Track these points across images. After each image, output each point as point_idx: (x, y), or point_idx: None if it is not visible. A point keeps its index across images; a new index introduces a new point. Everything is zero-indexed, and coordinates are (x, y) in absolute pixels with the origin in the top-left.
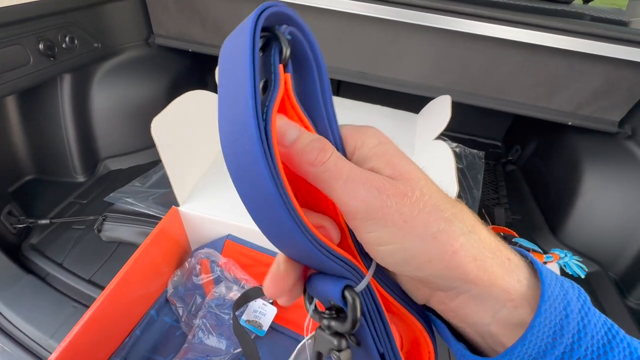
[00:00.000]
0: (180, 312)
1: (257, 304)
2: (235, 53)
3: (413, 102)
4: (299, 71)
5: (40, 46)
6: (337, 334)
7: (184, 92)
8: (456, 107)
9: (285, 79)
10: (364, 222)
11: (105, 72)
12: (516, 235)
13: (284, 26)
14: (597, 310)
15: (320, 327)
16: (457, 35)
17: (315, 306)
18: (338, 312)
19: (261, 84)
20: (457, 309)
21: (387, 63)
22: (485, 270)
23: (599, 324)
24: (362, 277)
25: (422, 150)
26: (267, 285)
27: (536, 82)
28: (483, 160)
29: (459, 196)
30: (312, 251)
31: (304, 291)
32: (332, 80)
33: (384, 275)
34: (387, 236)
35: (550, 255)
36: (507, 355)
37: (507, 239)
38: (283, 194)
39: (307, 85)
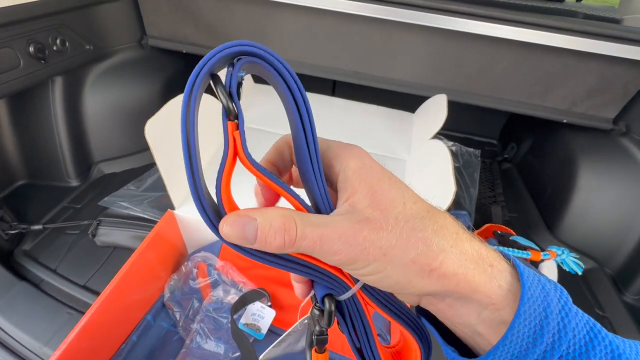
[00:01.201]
0: (178, 316)
1: (255, 307)
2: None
3: (409, 102)
4: (280, 94)
5: (31, 49)
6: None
7: (179, 94)
8: (452, 105)
9: (233, 139)
10: (349, 267)
11: (97, 75)
12: (513, 233)
13: (233, 67)
14: (579, 310)
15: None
16: (451, 34)
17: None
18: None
19: (233, 113)
20: (444, 310)
21: (382, 62)
22: (466, 281)
23: (581, 323)
24: (347, 289)
25: (418, 150)
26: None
27: (531, 80)
28: (479, 159)
29: (456, 195)
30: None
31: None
32: (327, 80)
33: (374, 290)
34: (371, 270)
35: (548, 252)
36: (491, 355)
37: (504, 237)
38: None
39: (289, 113)
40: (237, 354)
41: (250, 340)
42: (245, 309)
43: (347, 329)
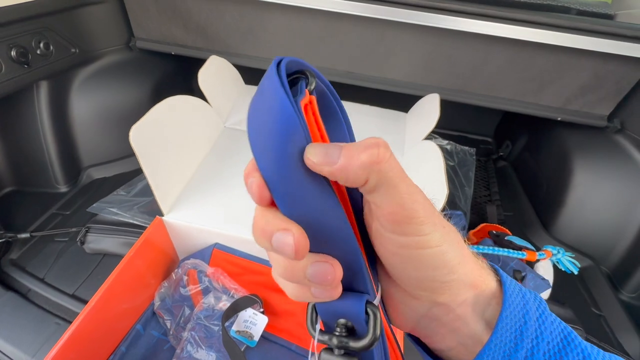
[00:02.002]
0: (168, 324)
1: (248, 314)
2: (266, 89)
3: (402, 101)
4: (328, 119)
5: (13, 53)
6: (347, 355)
7: (168, 97)
8: (446, 104)
9: (310, 99)
10: (415, 228)
11: (84, 78)
12: (509, 233)
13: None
14: (556, 318)
15: (327, 349)
16: (444, 32)
17: (320, 328)
18: (349, 332)
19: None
20: (453, 321)
21: (375, 62)
22: (481, 273)
23: (556, 331)
24: (374, 295)
25: (411, 150)
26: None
27: (524, 78)
28: (474, 157)
29: (451, 194)
30: (354, 248)
31: (312, 311)
32: None
33: (383, 306)
34: (434, 239)
35: (543, 252)
36: (485, 351)
37: (499, 237)
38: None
39: (336, 131)
40: None
41: (243, 348)
42: (237, 316)
43: (375, 355)
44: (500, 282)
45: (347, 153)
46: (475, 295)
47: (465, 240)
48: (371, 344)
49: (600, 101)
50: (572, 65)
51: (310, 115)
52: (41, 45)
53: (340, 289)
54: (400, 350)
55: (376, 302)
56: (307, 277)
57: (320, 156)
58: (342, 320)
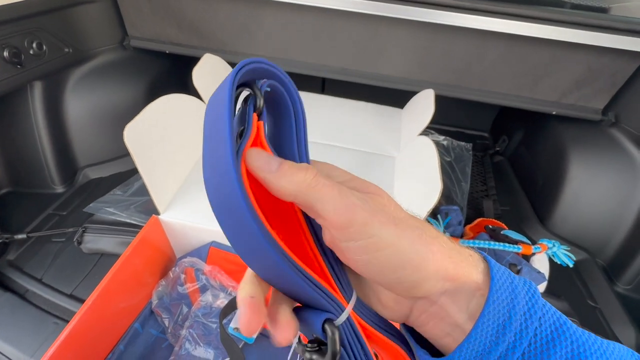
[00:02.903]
0: (167, 323)
1: None
2: (216, 107)
3: (398, 98)
4: (279, 117)
5: (5, 53)
6: None
7: (163, 95)
8: (442, 100)
9: (257, 126)
10: (359, 231)
11: (79, 78)
12: (505, 227)
13: (263, 80)
14: (551, 308)
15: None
16: (438, 27)
17: (299, 338)
18: (320, 345)
19: (239, 132)
20: (438, 312)
21: (370, 58)
22: (459, 267)
23: (548, 322)
24: (342, 309)
25: (407, 146)
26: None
27: (519, 72)
28: (471, 152)
29: (448, 190)
30: (296, 280)
31: None
32: (315, 78)
33: (362, 306)
34: (385, 238)
35: (539, 246)
36: (465, 345)
37: (496, 231)
38: (262, 229)
39: (285, 130)
40: (227, 359)
41: (241, 345)
42: (234, 313)
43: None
44: (489, 274)
45: (283, 166)
46: (454, 288)
47: (439, 234)
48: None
49: (595, 94)
50: (567, 59)
51: (258, 145)
52: (34, 45)
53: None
54: None
55: (343, 316)
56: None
57: (261, 161)
58: (315, 335)
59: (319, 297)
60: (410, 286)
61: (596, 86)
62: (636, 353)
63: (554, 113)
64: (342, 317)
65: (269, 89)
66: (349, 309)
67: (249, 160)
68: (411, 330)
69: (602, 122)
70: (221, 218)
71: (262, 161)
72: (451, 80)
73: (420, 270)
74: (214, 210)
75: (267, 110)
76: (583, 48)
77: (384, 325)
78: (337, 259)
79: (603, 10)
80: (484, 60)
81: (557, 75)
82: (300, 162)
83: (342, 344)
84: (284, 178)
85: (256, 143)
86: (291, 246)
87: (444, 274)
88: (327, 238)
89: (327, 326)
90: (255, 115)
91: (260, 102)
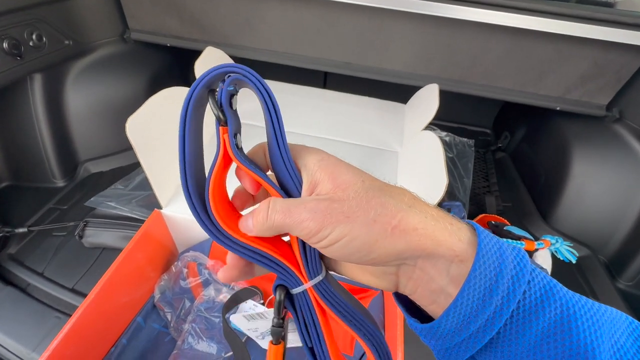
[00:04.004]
0: (169, 317)
1: (248, 305)
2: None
3: (401, 93)
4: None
5: (5, 45)
6: (276, 327)
7: (164, 89)
8: (445, 95)
9: (223, 141)
10: (319, 234)
11: (79, 71)
12: (508, 223)
13: (223, 82)
14: (540, 272)
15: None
16: (442, 21)
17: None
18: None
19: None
20: (421, 277)
21: (373, 52)
22: (427, 236)
23: (537, 286)
24: (301, 284)
25: (410, 141)
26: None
27: (524, 67)
28: (473, 149)
29: (450, 186)
30: (240, 253)
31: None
32: (318, 72)
33: (331, 294)
34: (338, 233)
35: (542, 242)
36: (451, 308)
37: (498, 227)
38: (204, 218)
39: (267, 126)
40: (230, 353)
41: (244, 339)
42: (237, 308)
43: (298, 325)
44: (474, 242)
45: (253, 221)
46: (426, 253)
47: (410, 206)
48: (277, 315)
49: (599, 90)
50: (572, 54)
51: (226, 155)
52: (34, 36)
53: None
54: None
55: (298, 289)
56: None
57: (244, 229)
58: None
59: (276, 271)
60: (375, 262)
61: (601, 82)
62: (629, 317)
63: (558, 109)
64: (297, 289)
65: (231, 87)
66: (306, 285)
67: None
68: (405, 301)
69: (606, 118)
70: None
71: (244, 229)
72: (455, 75)
73: (376, 250)
74: None
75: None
76: (589, 42)
77: (346, 312)
78: (313, 249)
79: (609, 4)
80: (488, 55)
81: (562, 71)
82: (281, 151)
83: (294, 307)
84: (255, 227)
85: (226, 158)
86: (274, 239)
87: (405, 247)
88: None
89: (277, 290)
90: (221, 129)
91: (219, 114)
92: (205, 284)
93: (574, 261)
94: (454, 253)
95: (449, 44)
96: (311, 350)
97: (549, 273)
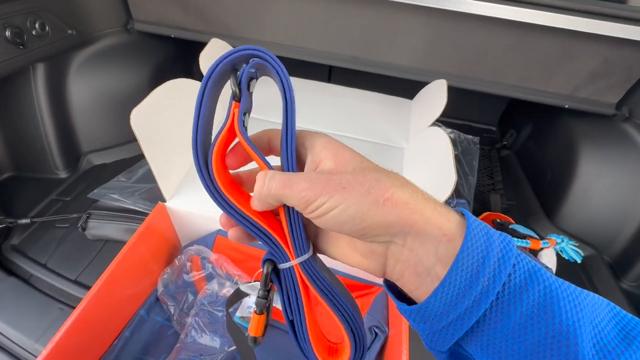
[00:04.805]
0: (172, 310)
1: (251, 300)
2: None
3: (407, 88)
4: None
5: (7, 33)
6: (263, 291)
7: (168, 80)
8: (450, 91)
9: (232, 114)
10: (315, 202)
11: (82, 61)
12: (512, 221)
13: (247, 64)
14: (525, 257)
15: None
16: (450, 15)
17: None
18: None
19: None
20: (409, 259)
21: (380, 46)
22: (417, 212)
23: (522, 269)
24: (288, 260)
25: (417, 137)
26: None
27: (532, 64)
28: (478, 146)
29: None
30: (240, 223)
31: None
32: (322, 65)
33: (316, 274)
34: (333, 202)
35: (547, 241)
36: (439, 289)
37: (503, 225)
38: (209, 183)
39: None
40: (233, 347)
41: (246, 334)
42: (240, 302)
43: (281, 298)
44: (463, 225)
45: (253, 202)
46: (415, 231)
47: (403, 185)
48: (263, 286)
49: (609, 88)
50: (582, 51)
51: (231, 128)
52: (36, 25)
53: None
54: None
55: (285, 265)
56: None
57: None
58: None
59: (265, 242)
60: (366, 232)
61: (611, 79)
62: (611, 303)
63: (566, 107)
64: (284, 265)
65: (253, 70)
66: (293, 262)
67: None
68: (393, 288)
69: (615, 116)
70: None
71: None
72: (462, 71)
73: (367, 219)
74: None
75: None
76: (600, 39)
77: (329, 292)
78: (300, 223)
79: (621, 0)
80: (496, 50)
81: (572, 68)
82: (287, 134)
83: (279, 281)
84: (258, 193)
85: (231, 131)
86: (267, 214)
87: (396, 219)
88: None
89: (265, 264)
90: (234, 103)
91: (236, 89)
92: (209, 278)
93: (579, 261)
94: (442, 232)
95: (457, 39)
96: (291, 322)
97: (554, 272)
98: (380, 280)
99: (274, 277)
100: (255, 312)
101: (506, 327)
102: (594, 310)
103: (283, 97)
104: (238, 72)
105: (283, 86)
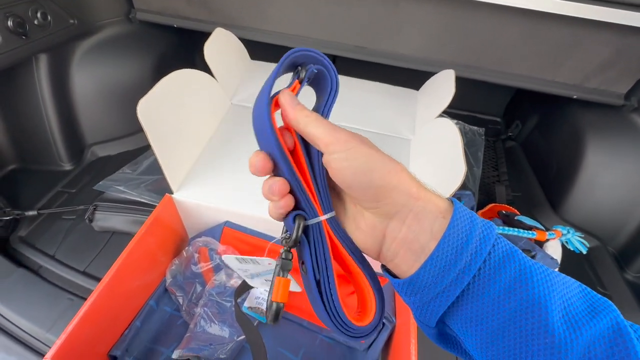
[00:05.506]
0: (181, 301)
1: (259, 290)
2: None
3: (413, 78)
4: (319, 92)
5: (9, 23)
6: (287, 251)
7: (173, 71)
8: (456, 81)
9: (295, 85)
10: (341, 144)
11: (85, 52)
12: (518, 213)
13: (314, 65)
14: (501, 237)
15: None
16: (458, 3)
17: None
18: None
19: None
20: (406, 236)
21: (386, 36)
22: (421, 189)
23: (502, 249)
24: (317, 215)
25: (424, 128)
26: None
27: (541, 53)
28: (483, 137)
29: None
30: (285, 170)
31: (283, 226)
32: (327, 55)
33: (339, 229)
34: (359, 150)
35: (553, 232)
36: (429, 261)
37: (509, 217)
38: (274, 131)
39: (320, 102)
40: (242, 337)
41: (255, 324)
42: (248, 293)
43: (309, 256)
44: (452, 207)
45: (299, 105)
46: (419, 207)
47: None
48: (293, 243)
49: (619, 78)
50: (592, 40)
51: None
52: (38, 15)
53: (283, 201)
54: (365, 270)
55: (314, 220)
56: (266, 192)
57: (286, 97)
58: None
59: (299, 195)
60: (379, 192)
61: (621, 69)
62: (582, 284)
63: (574, 97)
64: (313, 220)
65: (316, 71)
66: (322, 217)
67: (281, 95)
68: (387, 271)
69: (623, 107)
70: (256, 126)
71: (287, 97)
72: (469, 61)
73: (387, 177)
74: (254, 127)
75: (314, 88)
76: (610, 27)
77: (354, 250)
78: (325, 185)
79: None
80: (504, 40)
81: (581, 57)
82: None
83: (307, 238)
84: (297, 112)
85: (291, 91)
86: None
87: (407, 190)
88: (323, 158)
89: (297, 218)
90: (296, 81)
91: (303, 74)
92: (217, 269)
93: (584, 252)
94: (439, 209)
95: (464, 28)
96: (318, 282)
97: (559, 263)
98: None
99: (302, 236)
100: (279, 276)
101: (487, 300)
102: (565, 288)
103: (330, 98)
104: (300, 67)
105: (330, 95)
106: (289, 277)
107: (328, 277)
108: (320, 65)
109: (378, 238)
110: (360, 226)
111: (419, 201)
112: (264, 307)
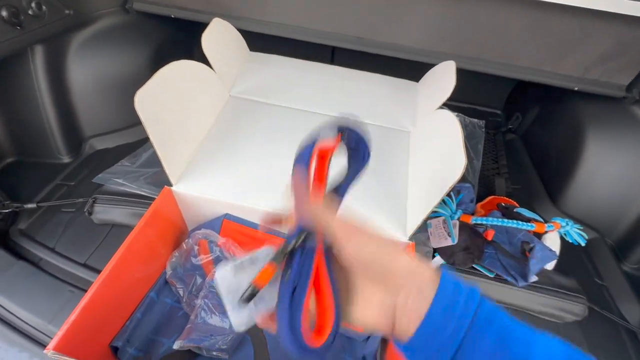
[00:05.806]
0: (181, 292)
1: None
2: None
3: (413, 70)
4: (351, 159)
5: (3, 13)
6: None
7: (170, 62)
8: (456, 74)
9: (337, 140)
10: (354, 240)
11: (81, 43)
12: (517, 205)
13: (350, 131)
14: (483, 298)
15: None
16: None
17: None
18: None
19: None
20: (412, 310)
21: (386, 27)
22: (418, 266)
23: (485, 307)
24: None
25: (424, 120)
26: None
27: (544, 44)
28: (483, 130)
29: None
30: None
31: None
32: (324, 46)
33: (331, 262)
34: (363, 242)
35: (552, 224)
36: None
37: (508, 209)
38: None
39: (350, 168)
40: None
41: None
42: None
43: (296, 266)
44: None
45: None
46: (420, 281)
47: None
48: (281, 249)
49: (620, 70)
50: (595, 30)
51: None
52: (33, 5)
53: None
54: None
55: (312, 244)
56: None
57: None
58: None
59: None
60: (387, 271)
61: (623, 61)
62: (564, 342)
63: (575, 89)
64: (312, 243)
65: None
66: (320, 244)
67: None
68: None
69: (624, 99)
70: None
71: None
72: (471, 52)
73: (393, 261)
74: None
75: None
76: (613, 18)
77: (335, 283)
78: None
79: None
80: (507, 31)
81: (584, 48)
82: (339, 191)
83: (304, 246)
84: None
85: (325, 150)
86: None
87: (409, 269)
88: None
89: (301, 233)
90: (339, 136)
91: (346, 136)
92: (217, 261)
93: (583, 244)
94: (430, 277)
95: (467, 18)
96: (294, 289)
97: (557, 255)
98: None
99: (298, 250)
100: (271, 262)
101: (479, 353)
102: (547, 349)
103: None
104: (343, 134)
105: (362, 162)
106: (278, 269)
107: (302, 288)
108: (362, 139)
109: (390, 314)
110: (373, 303)
111: (418, 277)
112: None
